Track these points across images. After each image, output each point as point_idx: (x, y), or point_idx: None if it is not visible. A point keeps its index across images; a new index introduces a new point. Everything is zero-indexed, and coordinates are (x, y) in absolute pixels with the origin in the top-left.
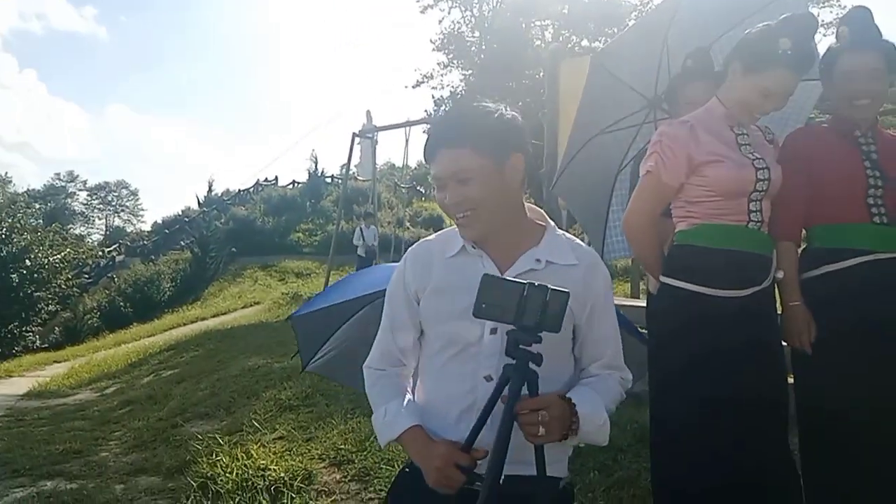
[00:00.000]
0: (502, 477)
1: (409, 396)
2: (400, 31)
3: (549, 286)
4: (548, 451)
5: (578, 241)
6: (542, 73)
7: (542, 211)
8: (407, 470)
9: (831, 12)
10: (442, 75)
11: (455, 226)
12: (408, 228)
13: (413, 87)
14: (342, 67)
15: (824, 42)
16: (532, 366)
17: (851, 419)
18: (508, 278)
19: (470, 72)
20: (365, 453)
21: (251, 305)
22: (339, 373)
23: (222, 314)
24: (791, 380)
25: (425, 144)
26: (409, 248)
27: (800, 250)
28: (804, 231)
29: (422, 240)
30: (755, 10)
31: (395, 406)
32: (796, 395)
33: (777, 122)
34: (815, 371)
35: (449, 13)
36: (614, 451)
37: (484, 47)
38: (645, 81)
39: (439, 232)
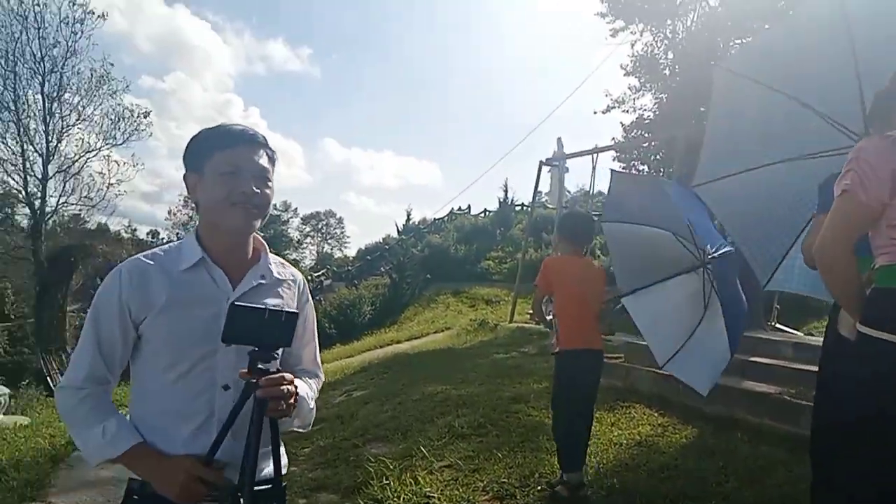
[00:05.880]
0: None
1: (123, 415)
2: (589, 56)
3: (283, 309)
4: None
5: (279, 259)
6: None
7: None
8: (136, 497)
9: None
10: (634, 99)
11: (176, 241)
12: (598, 256)
13: (603, 112)
14: (531, 95)
15: None
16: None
17: None
18: (252, 305)
19: (665, 95)
20: (528, 489)
21: (442, 330)
22: None
23: (415, 338)
24: None
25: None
26: (119, 267)
27: None
28: None
29: (133, 257)
30: None
31: (114, 424)
32: None
33: None
34: None
35: (641, 36)
36: None
37: (678, 69)
38: (846, 112)
39: (152, 250)
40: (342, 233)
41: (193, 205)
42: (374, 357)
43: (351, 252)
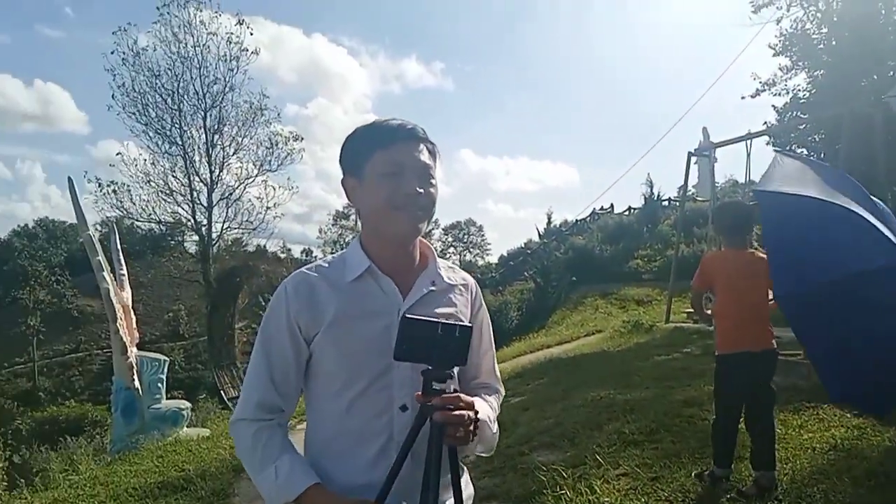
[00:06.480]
0: None
1: (297, 451)
2: (728, 44)
3: (457, 323)
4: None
5: (448, 263)
6: None
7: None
8: None
9: None
10: (786, 80)
11: (340, 252)
12: (756, 249)
13: (752, 96)
14: (667, 89)
15: None
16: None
17: None
18: (425, 318)
19: (821, 72)
20: (719, 500)
21: (593, 333)
22: None
23: (566, 342)
24: None
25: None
26: (284, 283)
27: None
28: None
29: (296, 272)
30: None
31: (287, 464)
32: None
33: None
34: None
35: (788, 10)
36: None
37: (834, 43)
38: None
39: (315, 262)
40: (483, 240)
41: (355, 212)
42: (526, 362)
43: (493, 259)
